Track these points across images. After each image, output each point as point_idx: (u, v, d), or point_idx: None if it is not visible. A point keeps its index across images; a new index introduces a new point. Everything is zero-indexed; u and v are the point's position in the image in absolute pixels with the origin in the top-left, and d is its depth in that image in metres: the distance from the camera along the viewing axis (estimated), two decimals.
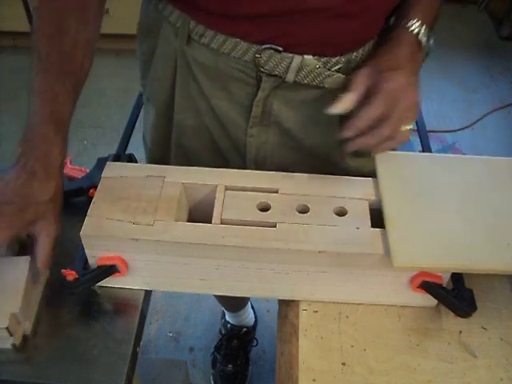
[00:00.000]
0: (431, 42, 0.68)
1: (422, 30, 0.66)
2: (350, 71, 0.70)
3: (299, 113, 0.73)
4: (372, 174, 0.67)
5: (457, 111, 2.32)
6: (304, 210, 0.62)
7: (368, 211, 0.62)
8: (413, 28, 0.66)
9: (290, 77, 0.68)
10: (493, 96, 2.39)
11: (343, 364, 0.59)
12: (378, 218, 0.61)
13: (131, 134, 0.81)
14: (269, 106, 0.72)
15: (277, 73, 0.68)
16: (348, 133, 0.62)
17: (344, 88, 0.69)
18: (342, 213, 0.62)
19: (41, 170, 0.59)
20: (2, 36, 2.51)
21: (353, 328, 0.62)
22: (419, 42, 0.66)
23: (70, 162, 0.78)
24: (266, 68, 0.67)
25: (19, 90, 2.35)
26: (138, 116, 0.86)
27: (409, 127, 0.62)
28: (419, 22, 0.66)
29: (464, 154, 2.05)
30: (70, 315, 0.63)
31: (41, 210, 0.58)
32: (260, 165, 0.78)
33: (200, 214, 0.65)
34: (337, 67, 0.69)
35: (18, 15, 2.36)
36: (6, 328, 0.56)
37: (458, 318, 0.62)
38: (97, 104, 2.30)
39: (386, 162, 0.66)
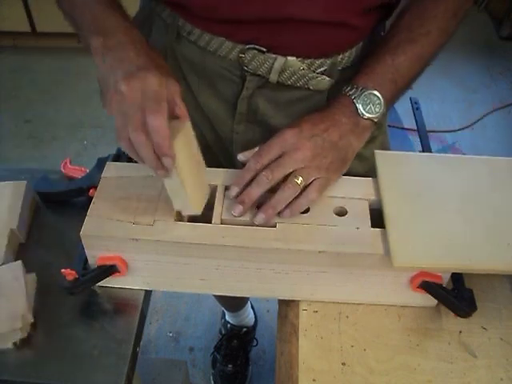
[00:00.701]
0: (374, 104, 0.62)
1: (360, 96, 0.62)
2: (335, 73, 0.69)
3: (285, 112, 0.73)
4: (367, 174, 0.67)
5: (457, 111, 2.32)
6: (304, 210, 0.62)
7: (368, 211, 0.62)
8: (351, 93, 0.63)
9: (273, 77, 0.68)
10: (493, 96, 2.39)
11: (343, 364, 0.59)
12: (378, 218, 0.61)
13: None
14: (254, 104, 0.72)
15: (260, 73, 0.68)
16: (234, 190, 0.60)
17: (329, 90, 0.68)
18: (341, 213, 0.62)
19: (141, 43, 0.58)
20: (1, 36, 2.51)
21: (353, 328, 0.62)
22: (356, 108, 0.62)
23: (70, 162, 0.78)
24: (250, 68, 0.68)
25: (19, 90, 2.35)
26: None
27: (298, 180, 0.58)
28: (358, 88, 0.62)
29: (464, 154, 2.05)
30: (70, 315, 0.63)
31: (164, 71, 0.55)
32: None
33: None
34: (321, 69, 0.68)
35: (18, 15, 2.36)
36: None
37: (458, 318, 0.62)
38: (97, 104, 2.28)
39: (386, 162, 0.66)
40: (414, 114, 0.86)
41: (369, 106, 0.62)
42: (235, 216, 0.60)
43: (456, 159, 0.69)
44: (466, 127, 2.24)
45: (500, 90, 2.43)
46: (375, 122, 0.64)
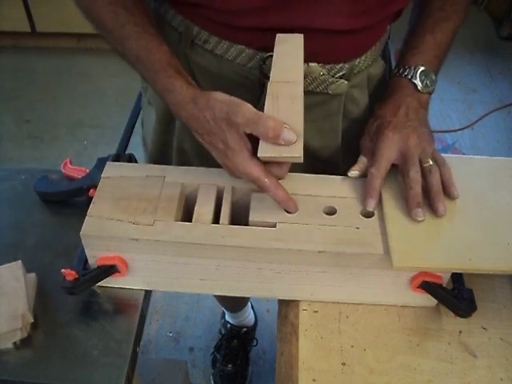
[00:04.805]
0: (428, 79, 0.68)
1: (416, 74, 0.68)
2: (353, 77, 0.71)
3: (304, 117, 0.73)
4: None
5: (457, 111, 2.32)
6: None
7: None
8: (406, 73, 0.68)
9: None
10: (493, 96, 2.39)
11: (343, 364, 0.59)
12: None
13: (131, 134, 0.81)
14: None
15: None
16: (371, 202, 0.61)
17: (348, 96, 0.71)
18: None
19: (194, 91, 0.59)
20: (1, 36, 2.51)
21: (353, 328, 0.62)
22: (414, 85, 0.68)
23: (70, 162, 0.78)
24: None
25: (19, 90, 2.35)
26: (138, 116, 0.86)
27: (430, 162, 0.62)
28: (411, 68, 0.68)
29: (464, 154, 2.05)
30: (70, 315, 0.63)
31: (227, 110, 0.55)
32: None
33: None
34: (340, 73, 0.69)
35: (18, 15, 2.36)
36: None
37: (458, 318, 0.62)
38: (97, 104, 2.30)
39: None
40: None
41: (425, 81, 0.68)
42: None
43: (456, 159, 0.68)
44: (466, 127, 2.24)
45: (500, 90, 2.43)
46: (430, 95, 0.70)
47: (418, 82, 0.68)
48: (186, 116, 0.59)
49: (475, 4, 2.84)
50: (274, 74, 0.61)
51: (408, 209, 0.60)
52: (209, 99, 0.56)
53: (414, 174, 0.60)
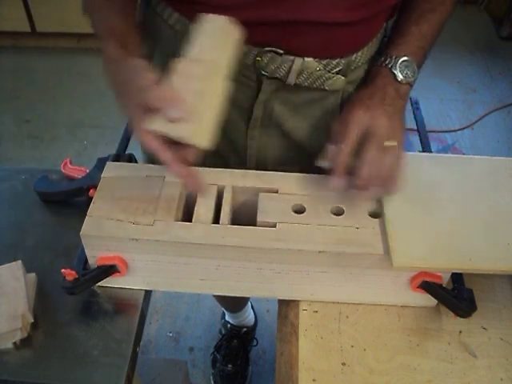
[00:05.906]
0: (409, 70, 0.67)
1: (396, 64, 0.67)
2: (349, 73, 0.71)
3: (300, 114, 0.73)
4: None
5: (457, 111, 2.32)
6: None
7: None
8: (386, 63, 0.68)
9: (291, 79, 0.68)
10: (493, 96, 2.39)
11: (343, 364, 0.59)
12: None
13: (131, 133, 0.81)
14: (270, 108, 0.72)
15: (278, 75, 0.68)
16: (338, 181, 0.60)
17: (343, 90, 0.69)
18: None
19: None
20: (1, 36, 2.51)
21: (353, 328, 0.62)
22: (394, 75, 0.67)
23: (70, 162, 0.78)
24: (267, 71, 0.67)
25: (19, 90, 2.35)
26: None
27: (393, 143, 0.60)
28: (392, 57, 0.68)
29: (464, 154, 2.05)
30: (70, 315, 0.63)
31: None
32: (261, 166, 0.78)
33: None
34: (337, 69, 0.69)
35: (18, 15, 2.36)
36: None
37: (458, 318, 0.62)
38: (97, 104, 2.30)
39: None
40: (414, 114, 0.86)
41: (405, 71, 0.67)
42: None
43: (456, 159, 0.69)
44: (466, 127, 2.24)
45: (500, 90, 2.43)
46: (411, 86, 0.68)
47: (397, 72, 0.67)
48: (106, 74, 0.60)
49: (475, 4, 2.84)
50: (187, 52, 0.58)
51: (332, 175, 0.59)
52: (126, 63, 0.57)
53: (371, 157, 0.58)
